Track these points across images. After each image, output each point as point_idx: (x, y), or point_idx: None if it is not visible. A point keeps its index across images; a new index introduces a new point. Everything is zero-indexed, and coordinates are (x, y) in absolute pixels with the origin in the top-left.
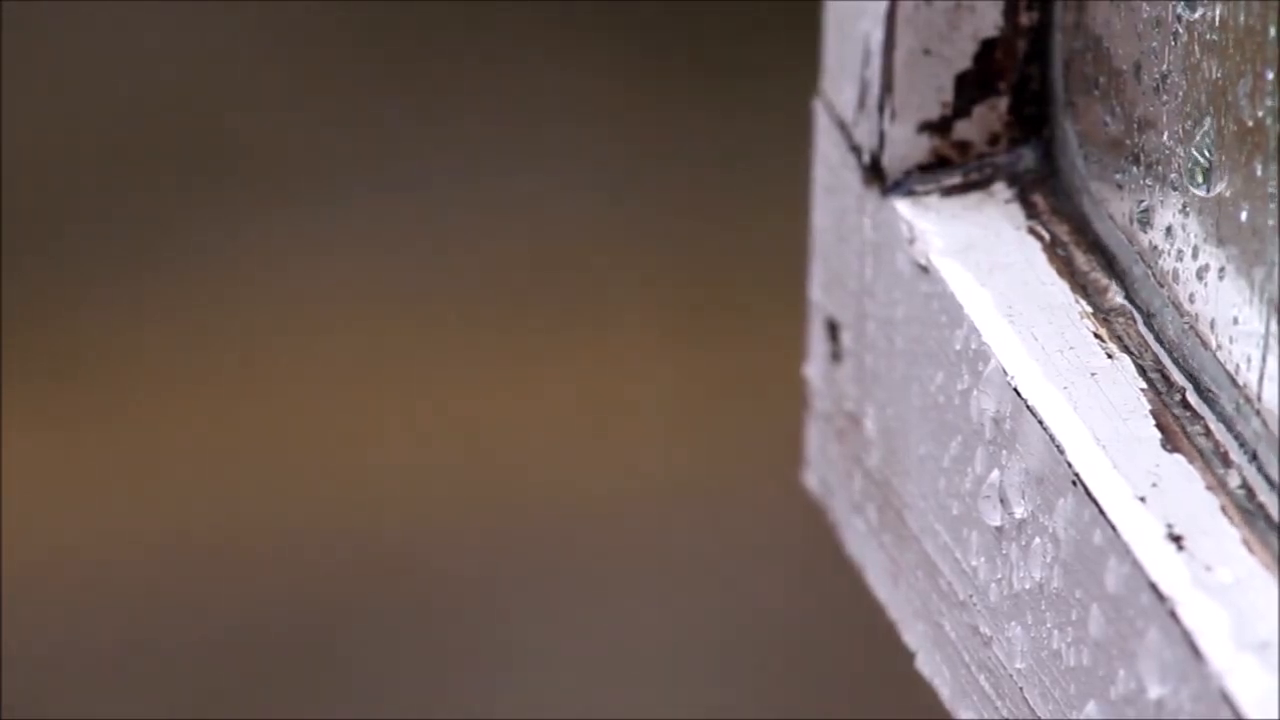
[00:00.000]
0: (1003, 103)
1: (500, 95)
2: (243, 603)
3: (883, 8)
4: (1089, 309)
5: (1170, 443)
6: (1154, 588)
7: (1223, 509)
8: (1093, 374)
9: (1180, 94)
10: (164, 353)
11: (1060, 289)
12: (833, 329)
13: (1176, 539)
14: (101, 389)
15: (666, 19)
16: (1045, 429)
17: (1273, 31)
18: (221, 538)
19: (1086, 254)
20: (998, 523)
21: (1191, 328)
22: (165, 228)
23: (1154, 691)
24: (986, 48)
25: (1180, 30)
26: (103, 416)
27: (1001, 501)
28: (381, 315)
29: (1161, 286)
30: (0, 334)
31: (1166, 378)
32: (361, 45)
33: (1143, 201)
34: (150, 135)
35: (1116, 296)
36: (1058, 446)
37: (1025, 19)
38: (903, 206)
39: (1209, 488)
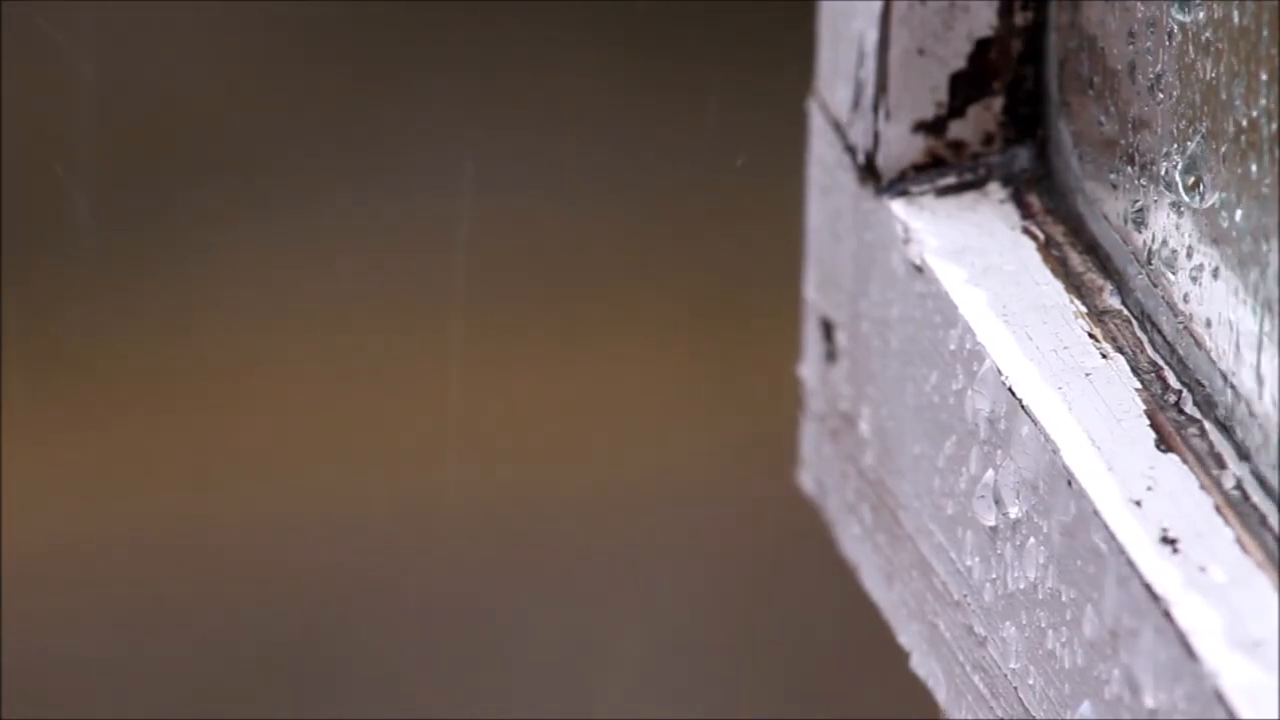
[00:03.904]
0: (997, 103)
1: (498, 96)
2: (240, 602)
3: (877, 8)
4: (1084, 309)
5: (1165, 443)
6: (1148, 588)
7: (1217, 509)
8: (1087, 374)
9: (1174, 94)
10: (163, 353)
11: (1055, 289)
12: (827, 329)
13: (1171, 540)
14: (101, 389)
15: (663, 19)
16: (1040, 429)
17: (1266, 32)
18: (218, 537)
19: (1081, 254)
20: (992, 523)
21: (1186, 328)
22: (163, 228)
23: (1148, 692)
24: (981, 48)
25: (1174, 31)
26: (102, 416)
27: (996, 502)
28: (379, 316)
29: (1156, 287)
30: (0, 334)
31: (1161, 378)
32: (360, 46)
33: (1137, 202)
34: (149, 136)
35: (1111, 297)
36: (1052, 447)
37: (1020, 19)
38: (897, 206)
39: (1203, 488)
